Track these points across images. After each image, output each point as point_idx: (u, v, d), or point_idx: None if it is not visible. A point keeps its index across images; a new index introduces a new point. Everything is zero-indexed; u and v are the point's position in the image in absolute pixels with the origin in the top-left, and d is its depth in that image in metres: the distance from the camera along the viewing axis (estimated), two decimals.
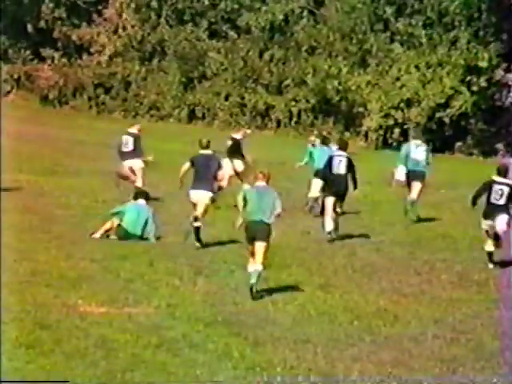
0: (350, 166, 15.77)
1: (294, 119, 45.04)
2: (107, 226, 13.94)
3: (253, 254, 10.83)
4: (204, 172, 14.23)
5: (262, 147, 23.33)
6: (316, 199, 18.16)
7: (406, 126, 43.32)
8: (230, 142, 21.02)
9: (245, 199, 11.06)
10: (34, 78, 48.57)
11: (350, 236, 15.59)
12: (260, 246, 10.81)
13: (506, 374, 8.16)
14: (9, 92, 48.14)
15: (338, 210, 15.70)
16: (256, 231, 10.85)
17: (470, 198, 14.45)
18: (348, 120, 44.70)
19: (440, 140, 42.47)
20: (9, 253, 11.56)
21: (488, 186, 14.11)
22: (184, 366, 7.74)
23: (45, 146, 27.90)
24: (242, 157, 20.58)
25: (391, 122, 43.20)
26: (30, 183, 19.93)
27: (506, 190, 13.89)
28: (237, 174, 20.40)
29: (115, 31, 49.46)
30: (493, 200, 13.94)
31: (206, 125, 46.12)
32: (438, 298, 11.06)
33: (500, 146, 43.17)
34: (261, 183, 11.24)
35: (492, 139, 43.61)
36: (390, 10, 45.51)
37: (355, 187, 15.81)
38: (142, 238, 13.95)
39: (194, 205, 14.10)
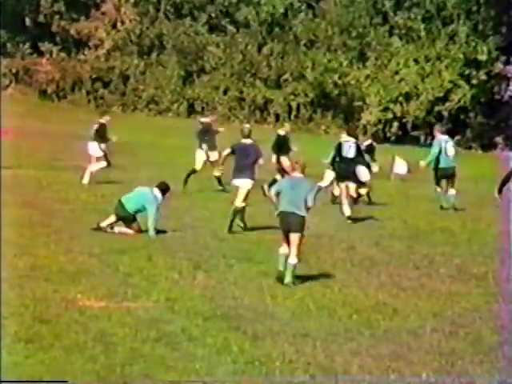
0: (359, 151, 16.95)
1: (293, 113, 45.04)
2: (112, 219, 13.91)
3: (287, 243, 10.97)
4: (243, 160, 14.78)
5: (261, 141, 23.31)
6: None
7: (404, 120, 43.27)
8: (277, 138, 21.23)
9: (279, 190, 11.16)
10: (32, 72, 48.54)
11: (349, 230, 15.60)
12: (294, 238, 10.85)
13: (505, 367, 8.17)
14: (7, 86, 48.08)
15: (353, 194, 16.91)
16: (289, 223, 10.91)
17: (496, 188, 14.73)
18: (347, 114, 44.68)
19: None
20: (8, 247, 11.57)
21: None
22: (183, 360, 7.74)
23: (43, 141, 27.90)
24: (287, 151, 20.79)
25: (390, 115, 43.17)
26: (29, 178, 19.92)
27: None
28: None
29: (114, 25, 49.41)
30: None
31: None
32: (436, 292, 11.07)
33: (499, 139, 43.13)
34: (296, 174, 11.31)
35: (491, 132, 43.59)
36: (388, 4, 45.46)
37: (369, 169, 17.56)
38: (134, 219, 13.80)
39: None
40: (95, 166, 20.11)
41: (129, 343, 8.13)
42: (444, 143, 18.77)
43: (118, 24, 49.19)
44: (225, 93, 46.88)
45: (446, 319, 9.75)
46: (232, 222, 14.55)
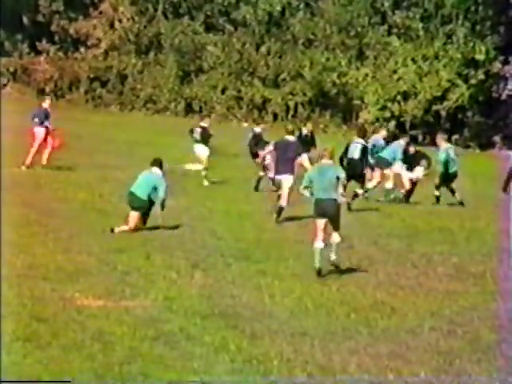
0: (364, 152, 17.83)
1: (291, 112, 45.00)
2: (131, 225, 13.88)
3: (323, 231, 11.50)
4: (284, 156, 15.78)
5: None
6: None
7: (402, 119, 43.28)
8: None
9: (309, 180, 11.75)
10: (30, 71, 48.47)
11: (347, 229, 15.60)
12: (332, 224, 11.54)
13: (503, 366, 8.17)
14: (5, 85, 48.01)
15: (359, 191, 17.78)
16: (324, 208, 11.50)
17: (501, 186, 15.26)
18: (345, 113, 44.65)
19: (436, 133, 42.67)
20: (6, 246, 11.55)
21: None
22: (181, 358, 7.74)
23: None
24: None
25: (388, 114, 43.15)
26: (27, 177, 19.90)
27: None
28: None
29: (111, 24, 49.36)
30: None
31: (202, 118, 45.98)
32: (434, 291, 11.07)
33: (497, 138, 43.14)
34: (325, 161, 11.81)
35: (489, 132, 43.58)
36: (387, 3, 45.44)
37: (368, 166, 18.22)
38: (150, 203, 13.97)
39: (279, 188, 15.95)
40: (196, 166, 21.16)
41: (127, 342, 8.13)
42: (450, 150, 19.87)
43: (116, 23, 49.16)
44: (223, 92, 46.85)
45: (444, 318, 9.75)
46: (279, 216, 15.52)
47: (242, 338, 8.45)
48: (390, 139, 21.14)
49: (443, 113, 42.96)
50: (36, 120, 21.33)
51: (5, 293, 9.39)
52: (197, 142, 21.38)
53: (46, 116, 21.44)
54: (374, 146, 19.88)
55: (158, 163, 14.56)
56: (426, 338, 8.94)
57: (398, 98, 43.37)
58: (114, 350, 7.87)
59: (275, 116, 45.56)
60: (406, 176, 20.09)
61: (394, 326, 9.28)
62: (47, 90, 48.40)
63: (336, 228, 11.65)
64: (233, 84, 46.81)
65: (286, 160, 15.74)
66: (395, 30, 45.29)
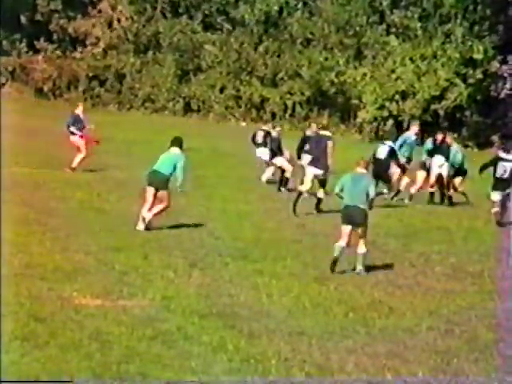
0: (391, 154, 18.92)
1: (289, 112, 44.99)
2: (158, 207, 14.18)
3: (347, 236, 11.81)
4: (315, 151, 16.96)
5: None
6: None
7: (400, 118, 43.30)
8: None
9: (342, 187, 12.10)
10: (28, 70, 48.44)
11: None
12: (359, 232, 11.86)
13: (501, 365, 8.18)
14: (3, 84, 47.99)
15: (384, 190, 18.52)
16: (351, 216, 11.87)
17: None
18: (343, 112, 44.65)
19: (435, 132, 42.73)
20: (4, 246, 11.55)
21: None
22: (179, 358, 7.74)
23: (40, 139, 27.85)
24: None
25: (386, 113, 43.15)
26: (25, 176, 19.89)
27: None
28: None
29: (110, 24, 49.33)
30: None
31: (201, 117, 46.03)
32: (432, 290, 11.07)
33: (495, 137, 43.14)
34: (360, 170, 12.19)
35: (487, 131, 43.59)
36: (385, 2, 45.43)
37: (399, 167, 19.36)
38: (167, 181, 14.28)
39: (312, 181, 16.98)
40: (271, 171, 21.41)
41: (124, 341, 8.13)
42: (458, 149, 20.49)
43: (115, 22, 49.13)
44: (221, 91, 46.84)
45: (442, 317, 9.76)
46: (319, 204, 16.77)
47: (240, 338, 8.46)
48: (393, 139, 21.03)
49: (441, 112, 42.97)
50: (72, 129, 21.52)
51: (3, 292, 9.39)
52: (269, 149, 21.18)
53: (79, 122, 21.61)
54: (402, 143, 19.86)
55: (178, 143, 14.87)
56: (424, 338, 8.95)
57: (397, 97, 43.37)
58: (112, 349, 7.88)
59: (273, 115, 45.53)
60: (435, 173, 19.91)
61: (392, 326, 9.28)
62: (45, 89, 48.41)
63: (362, 236, 11.91)
64: (231, 83, 46.78)
65: (316, 156, 16.79)
66: (393, 30, 45.29)
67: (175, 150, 14.78)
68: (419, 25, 44.95)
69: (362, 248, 11.85)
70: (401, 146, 19.89)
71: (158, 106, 47.87)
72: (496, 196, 17.00)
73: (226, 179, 22.06)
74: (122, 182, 20.22)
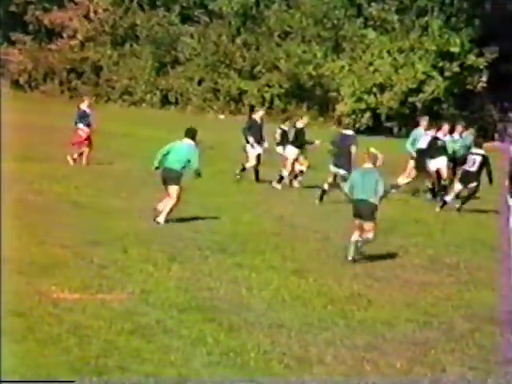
0: (432, 144, 19.01)
1: (267, 104, 45.00)
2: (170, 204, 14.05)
3: (359, 229, 12.18)
4: (339, 150, 17.29)
5: (236, 132, 23.30)
6: None
7: (378, 111, 43.42)
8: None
9: (352, 182, 12.40)
10: (4, 62, 48.00)
11: (324, 221, 15.66)
12: (367, 226, 12.15)
13: (475, 354, 8.25)
14: None
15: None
16: (361, 210, 12.19)
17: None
18: (321, 105, 44.74)
19: (412, 125, 43.09)
20: None
21: None
22: (158, 351, 7.73)
23: (16, 132, 27.62)
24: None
25: (364, 106, 43.27)
26: (2, 169, 19.73)
27: None
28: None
29: (86, 15, 48.99)
30: None
31: (179, 110, 45.91)
32: (410, 282, 11.14)
33: (472, 130, 43.44)
34: (367, 165, 12.31)
35: (464, 124, 43.88)
36: None
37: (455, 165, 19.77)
38: (180, 175, 14.20)
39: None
40: (295, 167, 20.49)
41: (103, 335, 8.10)
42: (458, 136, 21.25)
43: (91, 14, 48.81)
44: (199, 83, 46.71)
45: (420, 309, 9.82)
46: (322, 195, 17.61)
47: (220, 331, 8.46)
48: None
49: (419, 105, 43.16)
50: (80, 125, 21.31)
51: None
52: (288, 143, 20.19)
53: (85, 117, 21.39)
54: (414, 140, 19.70)
55: (191, 134, 14.59)
56: (402, 330, 9.00)
57: (374, 90, 43.51)
58: (91, 343, 7.84)
59: (252, 108, 45.49)
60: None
61: (371, 318, 9.33)
62: (21, 81, 48.01)
63: (371, 228, 12.23)
64: (209, 76, 46.68)
65: (340, 154, 17.19)
66: (371, 23, 45.41)
67: (188, 142, 14.50)
68: (396, 18, 45.11)
69: (370, 235, 12.22)
70: (412, 142, 19.65)
71: (135, 98, 47.66)
72: (458, 186, 17.74)
73: (204, 172, 22.00)
74: (100, 175, 20.12)
